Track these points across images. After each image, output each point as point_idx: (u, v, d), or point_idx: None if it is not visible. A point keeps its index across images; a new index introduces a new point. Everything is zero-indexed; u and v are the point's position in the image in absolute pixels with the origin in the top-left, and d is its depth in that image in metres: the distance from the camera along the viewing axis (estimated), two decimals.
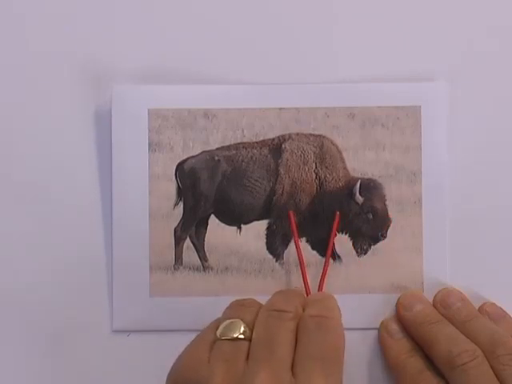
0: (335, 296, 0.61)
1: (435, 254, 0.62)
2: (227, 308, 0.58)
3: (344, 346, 0.57)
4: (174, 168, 0.63)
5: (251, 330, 0.56)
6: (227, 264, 0.63)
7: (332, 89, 0.63)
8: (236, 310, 0.58)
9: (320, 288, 0.62)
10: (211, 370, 0.53)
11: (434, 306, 0.61)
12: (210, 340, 0.56)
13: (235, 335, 0.55)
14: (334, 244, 0.63)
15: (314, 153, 0.63)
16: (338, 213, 0.63)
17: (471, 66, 0.63)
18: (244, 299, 0.59)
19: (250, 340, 0.55)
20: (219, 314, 0.58)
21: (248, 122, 0.63)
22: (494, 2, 0.63)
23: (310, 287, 0.61)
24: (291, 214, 0.62)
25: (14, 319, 0.63)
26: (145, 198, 0.63)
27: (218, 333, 0.56)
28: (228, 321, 0.56)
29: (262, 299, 0.61)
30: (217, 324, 0.57)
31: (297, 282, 0.62)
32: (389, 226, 0.63)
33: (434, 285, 0.62)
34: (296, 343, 0.55)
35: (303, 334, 0.55)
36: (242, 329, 0.55)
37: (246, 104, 0.63)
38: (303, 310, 0.57)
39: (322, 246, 0.63)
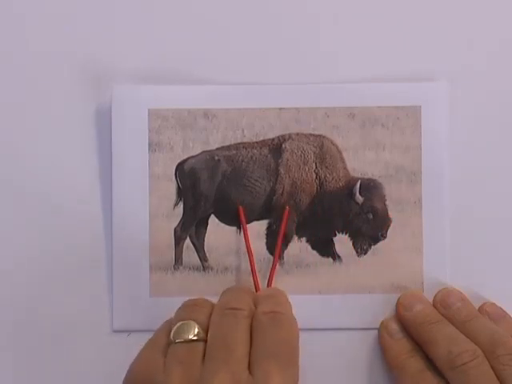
0: (335, 296, 0.61)
1: (435, 254, 0.62)
2: (179, 309, 0.58)
3: (298, 339, 0.56)
4: (174, 168, 0.63)
5: (205, 331, 0.55)
6: (227, 264, 0.63)
7: (332, 89, 0.63)
8: (188, 310, 0.57)
9: (269, 283, 0.61)
10: (167, 374, 0.53)
11: (434, 305, 0.61)
12: (163, 343, 0.55)
13: (189, 337, 0.54)
14: (333, 244, 0.63)
15: (314, 153, 0.63)
16: (287, 207, 0.62)
17: (471, 66, 0.63)
18: (195, 299, 0.58)
19: (205, 341, 0.55)
20: None
21: (248, 122, 0.63)
22: (494, 2, 0.63)
23: (260, 283, 0.61)
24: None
25: (14, 319, 0.63)
26: (145, 197, 0.63)
27: (172, 336, 0.55)
28: (181, 322, 0.55)
29: None
30: (169, 326, 0.56)
31: (297, 282, 0.62)
32: (389, 226, 0.63)
33: (434, 285, 0.62)
34: (251, 341, 0.55)
35: (258, 331, 0.55)
36: (196, 330, 0.55)
37: (246, 104, 0.63)
38: (255, 306, 0.57)
39: (322, 246, 0.63)
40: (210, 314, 0.56)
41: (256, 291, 0.61)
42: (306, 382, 0.61)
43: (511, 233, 0.63)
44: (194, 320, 0.55)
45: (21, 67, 0.63)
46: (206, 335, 0.55)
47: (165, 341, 0.55)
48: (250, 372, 0.53)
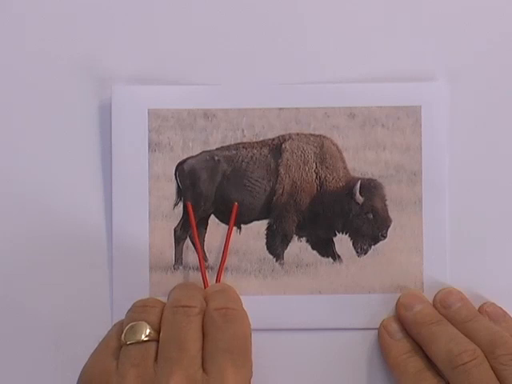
0: (335, 296, 0.61)
1: (435, 254, 0.62)
2: (129, 310, 0.57)
3: (251, 335, 0.56)
4: (174, 168, 0.63)
5: (157, 331, 0.55)
6: (227, 264, 0.63)
7: (332, 89, 0.63)
8: (139, 311, 0.57)
9: (218, 279, 0.61)
10: (121, 377, 0.52)
11: (434, 306, 0.61)
12: (115, 346, 0.55)
13: (141, 338, 0.54)
14: (333, 244, 0.63)
15: (315, 153, 0.63)
16: (236, 204, 0.62)
17: (471, 65, 0.63)
18: (145, 299, 0.58)
19: (157, 341, 0.54)
20: None
21: (248, 122, 0.63)
22: (494, 2, 0.63)
23: (208, 280, 0.61)
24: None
25: (14, 320, 0.63)
26: (145, 197, 0.63)
27: (123, 337, 0.55)
28: (132, 323, 0.55)
29: (262, 299, 0.61)
30: (120, 328, 0.56)
31: (297, 282, 0.62)
32: (389, 226, 0.63)
33: (434, 285, 0.62)
34: (203, 338, 0.54)
35: (210, 327, 0.55)
36: (148, 330, 0.55)
37: (246, 104, 0.63)
38: (206, 303, 0.57)
39: (322, 246, 0.63)
40: (161, 314, 0.56)
41: (205, 288, 0.61)
42: (306, 381, 0.61)
43: (511, 233, 0.63)
44: (144, 320, 0.55)
45: (21, 67, 0.63)
46: (158, 335, 0.55)
47: (116, 343, 0.55)
48: (204, 369, 0.53)
